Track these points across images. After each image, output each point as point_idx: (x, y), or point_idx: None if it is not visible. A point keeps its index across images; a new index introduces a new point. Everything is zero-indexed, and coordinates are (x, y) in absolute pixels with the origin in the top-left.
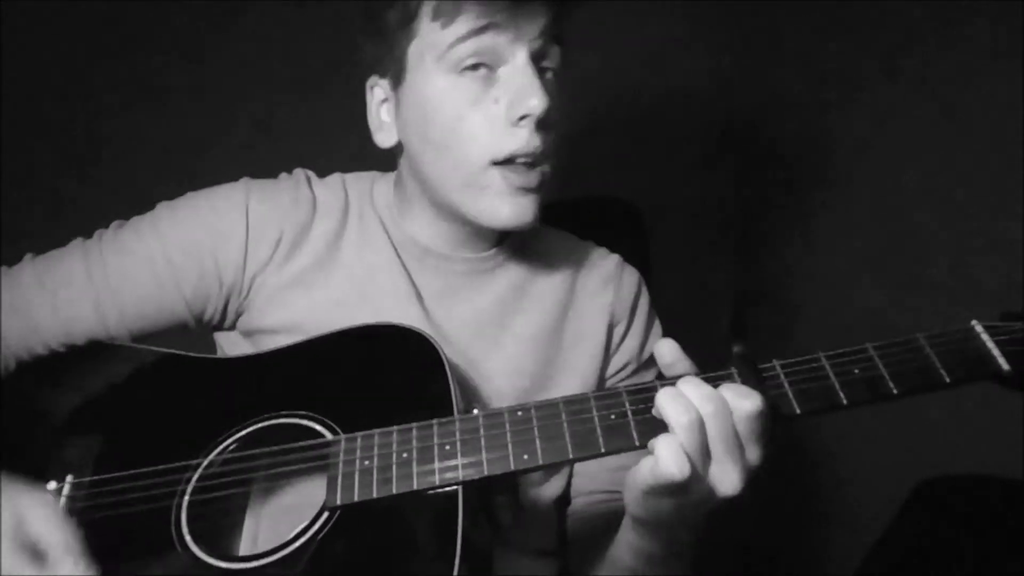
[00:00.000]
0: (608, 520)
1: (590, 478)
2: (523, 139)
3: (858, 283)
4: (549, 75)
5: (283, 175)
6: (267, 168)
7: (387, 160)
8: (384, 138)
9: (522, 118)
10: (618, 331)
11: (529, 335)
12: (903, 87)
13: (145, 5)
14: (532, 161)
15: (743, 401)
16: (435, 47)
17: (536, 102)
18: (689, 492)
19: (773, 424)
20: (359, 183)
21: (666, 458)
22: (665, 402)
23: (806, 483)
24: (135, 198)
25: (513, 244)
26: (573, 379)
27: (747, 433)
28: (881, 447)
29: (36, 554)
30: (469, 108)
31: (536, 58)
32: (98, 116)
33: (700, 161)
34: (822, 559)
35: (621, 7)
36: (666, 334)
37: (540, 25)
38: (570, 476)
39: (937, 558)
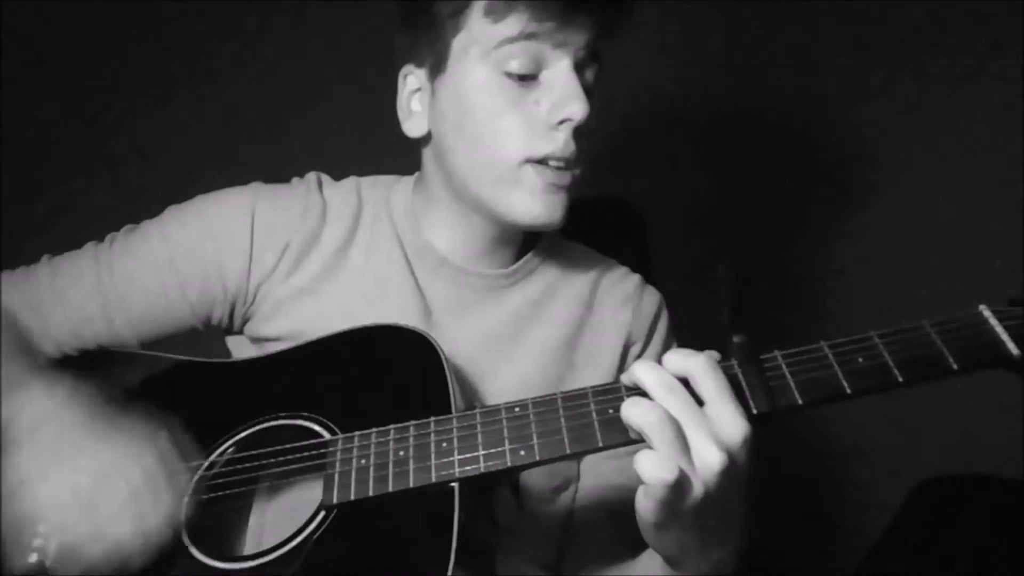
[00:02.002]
0: (610, 514)
1: (597, 474)
2: (560, 142)
3: (858, 282)
4: (588, 84)
5: (295, 179)
6: (272, 170)
7: (394, 164)
8: (413, 127)
9: (562, 122)
10: (634, 351)
11: (542, 350)
12: (904, 87)
13: (148, 7)
14: (565, 165)
15: (689, 361)
16: (482, 42)
17: (578, 108)
18: (690, 493)
19: (749, 386)
20: (376, 188)
21: (648, 469)
22: (629, 411)
23: (806, 483)
24: (136, 199)
25: (533, 260)
26: None
27: (712, 393)
28: (881, 447)
29: None
30: (509, 106)
31: (578, 68)
32: (98, 117)
33: (701, 161)
34: (822, 559)
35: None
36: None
37: (586, 38)
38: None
39: (937, 558)
